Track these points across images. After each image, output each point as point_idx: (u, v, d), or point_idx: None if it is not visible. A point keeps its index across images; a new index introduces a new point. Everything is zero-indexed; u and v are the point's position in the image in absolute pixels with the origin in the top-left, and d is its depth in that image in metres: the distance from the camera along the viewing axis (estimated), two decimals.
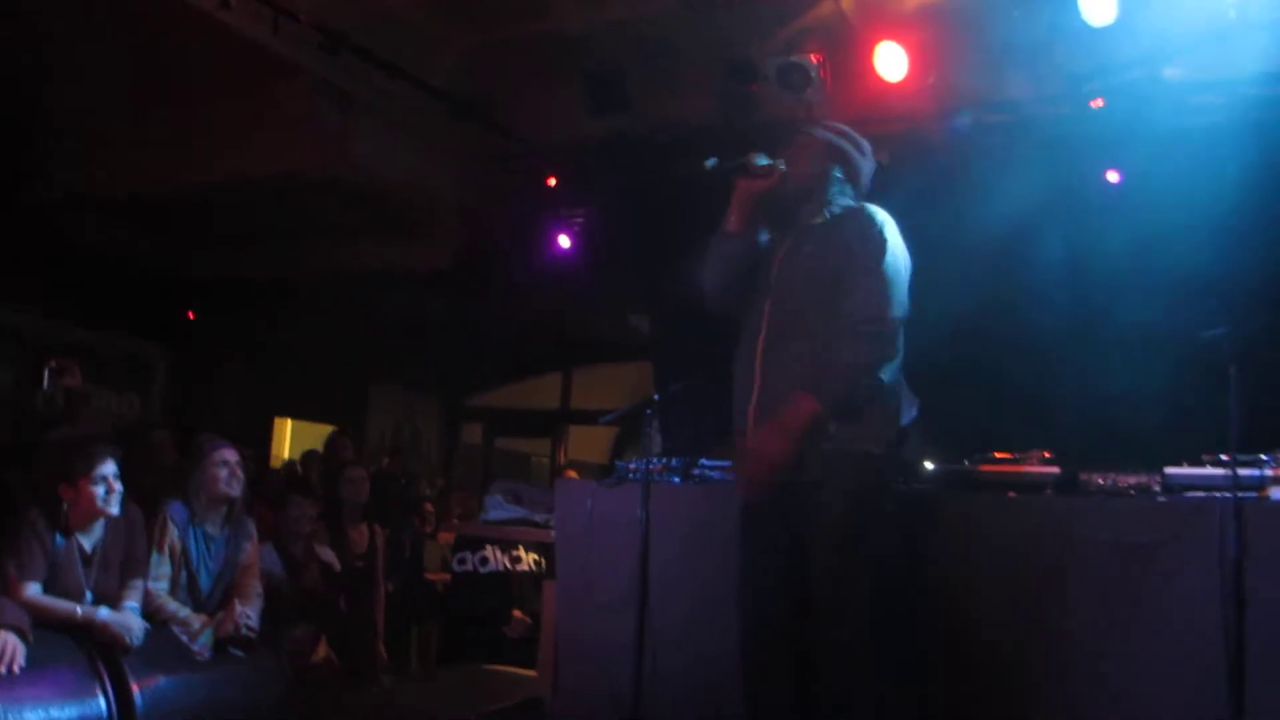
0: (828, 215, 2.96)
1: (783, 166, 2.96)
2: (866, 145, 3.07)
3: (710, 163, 2.95)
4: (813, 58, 4.78)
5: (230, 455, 3.89)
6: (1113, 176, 4.90)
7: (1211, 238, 4.32)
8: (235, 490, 3.88)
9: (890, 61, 4.74)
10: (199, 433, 4.12)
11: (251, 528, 4.05)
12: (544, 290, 7.16)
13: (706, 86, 5.34)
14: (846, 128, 3.07)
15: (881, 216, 2.89)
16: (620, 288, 7.16)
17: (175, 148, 6.27)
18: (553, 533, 3.92)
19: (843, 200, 3.00)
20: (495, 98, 5.92)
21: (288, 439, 9.52)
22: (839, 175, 3.01)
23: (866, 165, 3.06)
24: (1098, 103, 4.64)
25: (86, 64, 5.64)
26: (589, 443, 10.05)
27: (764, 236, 3.08)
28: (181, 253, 8.07)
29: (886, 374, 2.79)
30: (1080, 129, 4.79)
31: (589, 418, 9.53)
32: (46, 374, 4.26)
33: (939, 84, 4.83)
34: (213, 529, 3.88)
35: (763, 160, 2.95)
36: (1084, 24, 4.34)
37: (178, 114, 6.13)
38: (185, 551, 3.79)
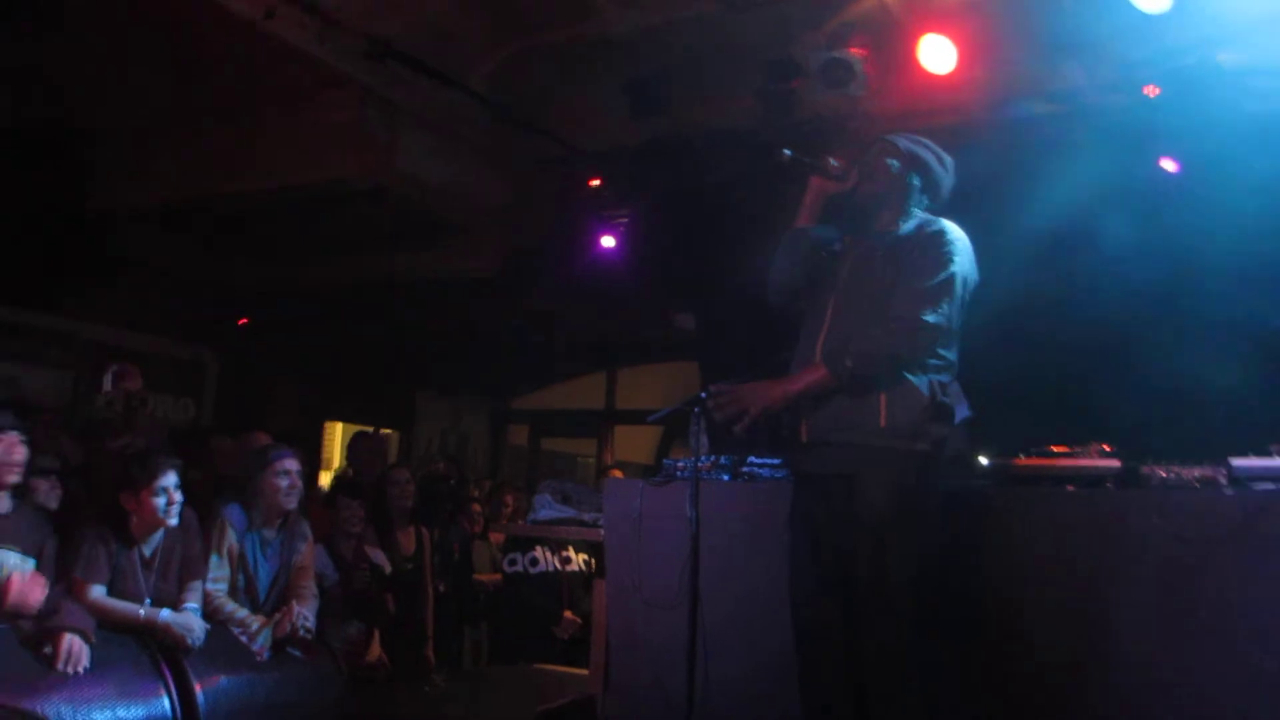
0: (903, 226, 2.96)
1: (858, 172, 2.97)
2: (949, 159, 3.05)
3: (786, 153, 2.95)
4: (857, 52, 4.73)
5: (292, 465, 3.95)
6: (1169, 165, 4.80)
7: (1273, 226, 4.22)
8: (293, 503, 3.95)
9: (937, 54, 4.68)
10: (257, 433, 4.17)
11: (306, 529, 4.11)
12: (588, 291, 7.17)
13: (747, 87, 5.31)
14: (928, 140, 3.05)
15: (955, 234, 2.88)
16: (664, 287, 7.15)
17: (225, 158, 6.36)
18: (602, 532, 3.92)
19: (920, 212, 2.99)
20: (538, 103, 5.95)
21: (338, 442, 9.64)
22: (917, 184, 3.00)
23: (946, 179, 3.04)
24: (1152, 90, 4.54)
25: (138, 78, 5.75)
26: (634, 443, 10.05)
27: (837, 244, 3.08)
28: (232, 260, 8.21)
29: (929, 375, 2.77)
30: (1135, 118, 4.69)
31: (634, 418, 9.55)
32: (109, 378, 4.37)
33: (988, 76, 4.76)
34: (269, 532, 3.95)
35: (838, 163, 2.96)
36: (1137, 10, 4.27)
37: (228, 125, 6.24)
38: (242, 554, 3.85)
